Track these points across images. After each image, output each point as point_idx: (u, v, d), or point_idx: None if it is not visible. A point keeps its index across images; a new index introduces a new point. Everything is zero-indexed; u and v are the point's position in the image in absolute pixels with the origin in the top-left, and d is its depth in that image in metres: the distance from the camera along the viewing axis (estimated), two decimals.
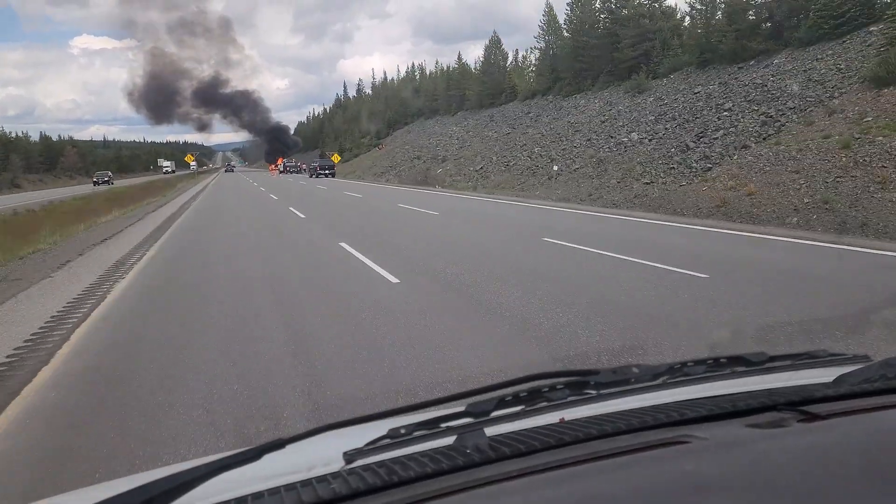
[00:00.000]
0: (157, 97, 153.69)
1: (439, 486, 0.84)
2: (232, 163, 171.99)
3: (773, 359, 1.22)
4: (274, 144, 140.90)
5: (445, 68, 71.99)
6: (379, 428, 0.95)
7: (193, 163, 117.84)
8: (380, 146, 69.27)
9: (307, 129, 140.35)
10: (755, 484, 0.80)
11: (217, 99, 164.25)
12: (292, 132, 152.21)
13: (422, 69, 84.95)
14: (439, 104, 67.40)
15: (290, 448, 0.91)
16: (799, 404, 1.07)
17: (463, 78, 62.72)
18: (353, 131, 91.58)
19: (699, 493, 0.80)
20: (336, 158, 62.58)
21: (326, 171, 56.93)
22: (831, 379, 1.17)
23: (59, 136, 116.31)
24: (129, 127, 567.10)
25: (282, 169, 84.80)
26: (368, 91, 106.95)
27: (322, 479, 0.88)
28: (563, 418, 1.05)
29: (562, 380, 1.04)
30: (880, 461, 0.87)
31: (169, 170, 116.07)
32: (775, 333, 5.25)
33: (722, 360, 1.19)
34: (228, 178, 67.60)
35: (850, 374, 1.17)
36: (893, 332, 5.28)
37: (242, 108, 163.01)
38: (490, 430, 0.96)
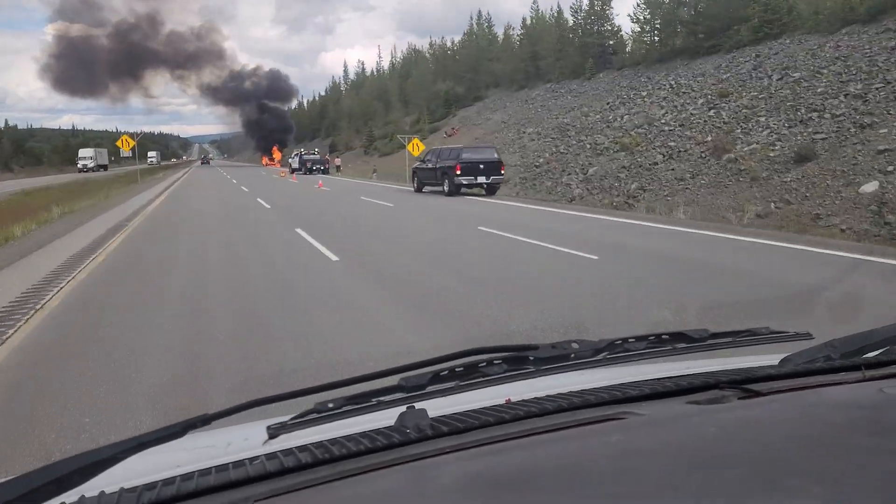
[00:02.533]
0: (77, 54, 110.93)
1: (370, 462, 0.82)
2: (209, 155, 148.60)
3: (715, 336, 1.18)
4: (265, 123, 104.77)
5: (553, 12, 49.07)
6: (308, 403, 0.92)
7: (152, 154, 76.40)
8: (451, 131, 46.21)
9: (301, 116, 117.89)
10: (686, 454, 0.80)
11: (155, 47, 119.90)
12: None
13: (490, 21, 61.97)
14: (544, 66, 44.66)
15: (215, 424, 0.87)
16: (742, 383, 1.05)
17: (600, 20, 40.05)
18: (381, 113, 68.55)
19: (627, 461, 0.80)
20: (419, 147, 29.12)
21: (484, 178, 20.19)
22: (775, 357, 1.18)
23: (30, 125, 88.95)
24: (104, 116, 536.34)
25: (296, 166, 47.33)
26: (375, 71, 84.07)
27: (255, 458, 0.85)
28: (509, 399, 1.03)
29: (500, 355, 1.01)
30: (813, 432, 0.86)
31: (89, 165, 67.96)
32: None
33: (664, 336, 1.15)
34: (202, 189, 32.10)
35: (795, 355, 1.15)
36: None
37: (197, 60, 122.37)
38: (432, 411, 0.94)
